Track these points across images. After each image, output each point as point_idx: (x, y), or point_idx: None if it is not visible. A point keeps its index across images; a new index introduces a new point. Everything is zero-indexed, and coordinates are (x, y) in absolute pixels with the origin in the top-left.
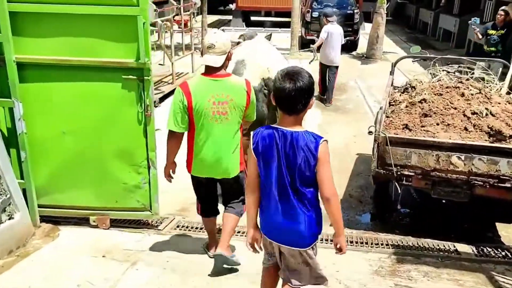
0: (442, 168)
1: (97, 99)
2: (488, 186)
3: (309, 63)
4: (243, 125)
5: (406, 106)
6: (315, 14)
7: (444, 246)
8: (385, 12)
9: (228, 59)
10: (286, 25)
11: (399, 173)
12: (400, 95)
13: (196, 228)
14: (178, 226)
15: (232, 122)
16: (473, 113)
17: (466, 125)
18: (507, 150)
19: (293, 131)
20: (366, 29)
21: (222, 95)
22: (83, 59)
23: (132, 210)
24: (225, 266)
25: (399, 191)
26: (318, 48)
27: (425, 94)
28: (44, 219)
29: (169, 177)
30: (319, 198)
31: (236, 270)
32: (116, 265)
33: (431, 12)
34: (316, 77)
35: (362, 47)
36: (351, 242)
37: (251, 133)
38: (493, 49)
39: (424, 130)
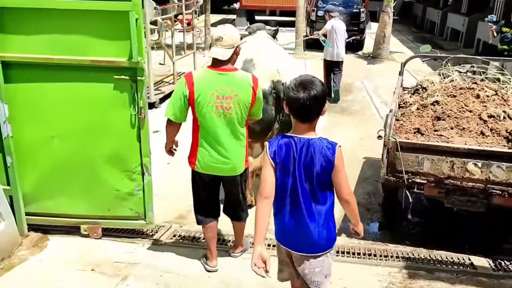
0: (457, 175)
1: (87, 101)
2: (507, 196)
3: (326, 45)
4: (249, 122)
5: (417, 109)
6: (320, 13)
7: (458, 259)
8: (392, 11)
9: (236, 53)
10: (291, 24)
11: (410, 180)
12: (410, 96)
13: (194, 237)
14: (174, 236)
15: (237, 118)
16: (490, 116)
17: (482, 129)
18: None
19: (309, 138)
20: (372, 28)
21: (226, 90)
22: (72, 58)
23: (125, 219)
24: None
25: (410, 200)
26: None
27: (437, 95)
28: (33, 227)
29: (170, 152)
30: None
31: None
32: (105, 280)
33: (439, 11)
34: (320, 75)
35: (368, 46)
36: (359, 254)
37: (267, 143)
38: (505, 47)
39: (437, 134)
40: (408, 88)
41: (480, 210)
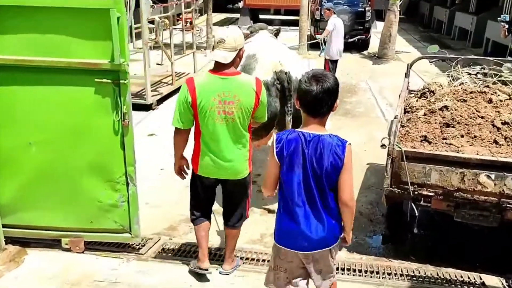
0: (467, 188)
1: (67, 106)
2: None
3: (319, 55)
4: (253, 125)
5: (425, 114)
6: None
7: (469, 277)
8: (398, 9)
9: (239, 56)
10: (296, 23)
11: (416, 193)
12: (416, 100)
13: (184, 251)
14: (163, 249)
15: (239, 123)
16: (504, 123)
17: (496, 138)
18: None
19: (319, 134)
20: (378, 27)
21: (228, 95)
22: (50, 59)
23: (109, 232)
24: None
25: (416, 213)
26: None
27: (446, 100)
28: (11, 240)
29: (180, 174)
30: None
31: None
32: None
33: (446, 10)
34: None
35: (373, 46)
36: (360, 271)
37: (274, 136)
38: None
39: (446, 143)
40: (414, 91)
41: (493, 226)
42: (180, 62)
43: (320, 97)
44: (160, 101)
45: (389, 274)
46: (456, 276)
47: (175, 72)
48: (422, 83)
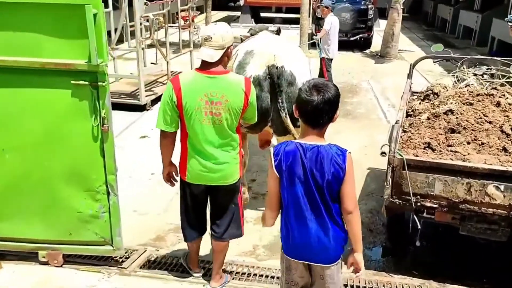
0: (474, 200)
1: (42, 110)
2: None
3: (320, 56)
4: (243, 125)
5: (428, 118)
6: None
7: None
8: (402, 7)
9: (227, 55)
10: (297, 21)
11: (419, 204)
12: (419, 103)
13: (171, 264)
14: (148, 262)
15: (227, 124)
16: None
17: (505, 145)
18: None
19: (318, 145)
20: (380, 26)
21: (216, 95)
22: (23, 59)
23: (90, 244)
24: None
25: (418, 226)
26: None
27: (451, 103)
28: None
29: (169, 182)
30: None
31: None
32: None
33: (450, 8)
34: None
35: (376, 45)
36: (358, 287)
37: (271, 149)
38: None
39: (451, 150)
40: (417, 93)
41: (502, 240)
42: (176, 61)
43: (320, 108)
44: (155, 102)
45: None
46: None
47: (171, 72)
48: (425, 83)
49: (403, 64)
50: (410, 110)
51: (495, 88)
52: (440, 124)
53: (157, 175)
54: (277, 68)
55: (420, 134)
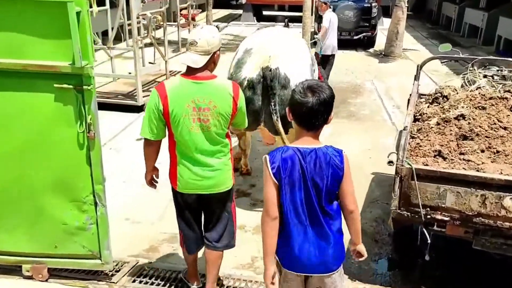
0: (489, 213)
1: (23, 115)
2: None
3: (320, 54)
4: (232, 131)
5: (438, 124)
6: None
7: None
8: (406, 5)
9: (213, 61)
10: (300, 20)
11: (429, 216)
12: (428, 106)
13: (164, 278)
14: (140, 276)
15: (216, 131)
16: None
17: None
18: None
19: (315, 148)
20: (384, 24)
21: (203, 101)
22: (2, 61)
23: (77, 258)
24: None
25: (428, 240)
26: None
27: (462, 107)
28: None
29: (151, 184)
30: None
31: None
32: None
33: (456, 6)
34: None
35: (379, 43)
36: None
37: (267, 156)
38: None
39: (463, 159)
40: (425, 95)
41: None
42: (176, 60)
43: (316, 109)
44: None
45: None
46: None
47: (170, 71)
48: (431, 83)
49: (408, 63)
50: (417, 114)
51: (508, 91)
52: (451, 130)
53: None
54: (270, 70)
55: (429, 140)
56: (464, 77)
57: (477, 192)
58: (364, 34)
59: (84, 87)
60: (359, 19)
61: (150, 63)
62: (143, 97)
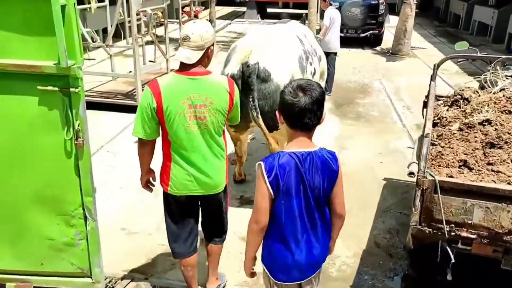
0: None
1: (4, 120)
2: None
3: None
4: (227, 129)
5: (460, 129)
6: (335, 6)
7: None
8: (415, 2)
9: (207, 56)
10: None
11: (453, 233)
12: (447, 109)
13: None
14: None
15: (213, 128)
16: None
17: None
18: None
19: (311, 151)
20: (391, 22)
21: (199, 97)
22: None
23: (65, 276)
24: None
25: (452, 258)
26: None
27: (486, 111)
28: None
29: (147, 187)
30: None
31: None
32: None
33: (464, 3)
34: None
35: (386, 41)
36: None
37: (262, 163)
38: None
39: (492, 170)
40: (442, 97)
41: None
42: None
43: (309, 109)
44: None
45: None
46: None
47: (171, 70)
48: (441, 82)
49: (416, 62)
50: (436, 118)
51: None
52: (476, 137)
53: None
54: (248, 66)
55: (452, 148)
56: (485, 77)
57: (509, 207)
58: (371, 32)
59: (71, 89)
60: (366, 17)
61: (150, 61)
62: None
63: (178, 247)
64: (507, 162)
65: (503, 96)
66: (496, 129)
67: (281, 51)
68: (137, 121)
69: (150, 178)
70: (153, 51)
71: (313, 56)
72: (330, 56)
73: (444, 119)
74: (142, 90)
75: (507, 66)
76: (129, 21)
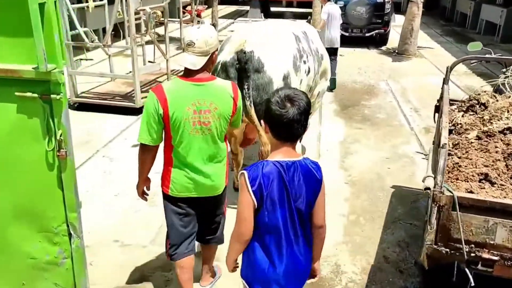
0: None
1: None
2: None
3: None
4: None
5: (479, 138)
6: (340, 4)
7: None
8: (422, 1)
9: (212, 61)
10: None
11: (473, 254)
12: (462, 115)
13: None
14: None
15: (216, 133)
16: None
17: None
18: None
19: (296, 160)
20: (396, 21)
21: (204, 103)
22: None
23: None
24: None
25: (471, 281)
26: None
27: (507, 118)
28: None
29: (143, 196)
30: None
31: None
32: None
33: (471, 2)
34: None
35: (392, 41)
36: None
37: (245, 172)
38: None
39: None
40: (456, 101)
41: None
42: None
43: (297, 119)
44: None
45: None
46: None
47: (171, 70)
48: (449, 84)
49: (423, 62)
50: (450, 124)
51: None
52: (496, 147)
53: (151, 193)
54: (245, 53)
55: (470, 159)
56: (503, 81)
57: None
58: (377, 31)
59: (52, 96)
60: (372, 16)
61: (149, 62)
62: (142, 98)
63: (176, 247)
64: None
65: None
66: None
67: (276, 46)
68: (142, 127)
69: (145, 188)
70: (153, 51)
71: (309, 55)
72: (329, 51)
73: (460, 126)
74: (141, 92)
75: None
76: (128, 20)
